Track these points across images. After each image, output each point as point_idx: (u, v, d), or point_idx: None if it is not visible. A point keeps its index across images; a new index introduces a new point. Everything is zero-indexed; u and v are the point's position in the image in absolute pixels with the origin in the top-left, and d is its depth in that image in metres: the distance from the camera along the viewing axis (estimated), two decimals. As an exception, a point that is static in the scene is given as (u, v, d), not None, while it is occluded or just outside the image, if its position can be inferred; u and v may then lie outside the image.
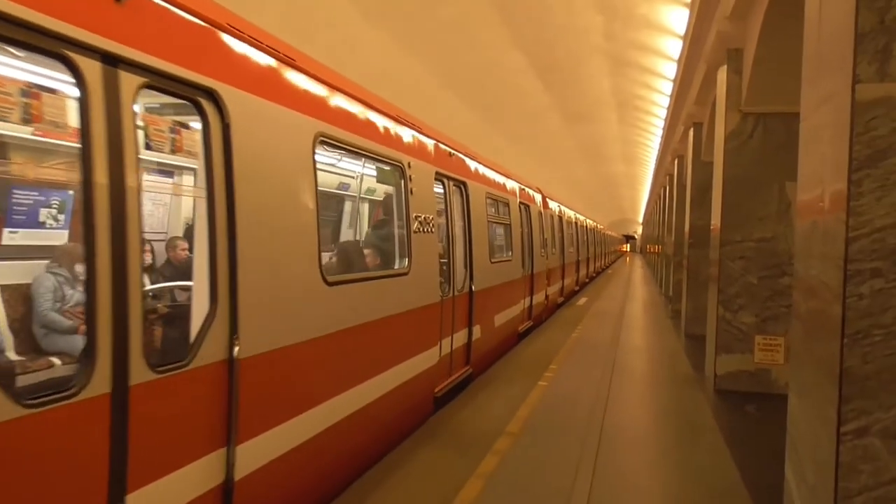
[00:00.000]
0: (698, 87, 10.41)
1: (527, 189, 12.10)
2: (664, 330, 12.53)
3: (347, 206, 8.67)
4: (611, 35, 13.22)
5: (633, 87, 17.06)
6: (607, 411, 6.35)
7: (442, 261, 6.73)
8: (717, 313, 7.46)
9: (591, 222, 27.83)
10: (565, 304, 16.75)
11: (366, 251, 6.07)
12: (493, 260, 8.66)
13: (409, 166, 5.62)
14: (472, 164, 8.08)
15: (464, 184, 7.52)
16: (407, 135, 5.68)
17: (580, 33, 13.47)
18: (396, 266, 5.61)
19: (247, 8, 3.98)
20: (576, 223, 20.77)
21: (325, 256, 4.87)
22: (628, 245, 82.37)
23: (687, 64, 10.94)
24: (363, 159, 5.88)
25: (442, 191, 6.90)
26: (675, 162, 16.10)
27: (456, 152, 7.28)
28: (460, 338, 7.23)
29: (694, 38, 9.54)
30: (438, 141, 6.66)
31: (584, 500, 4.24)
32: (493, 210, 9.17)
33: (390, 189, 6.22)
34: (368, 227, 7.84)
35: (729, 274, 7.33)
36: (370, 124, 4.92)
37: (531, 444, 5.32)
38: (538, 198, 13.35)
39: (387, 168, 5.70)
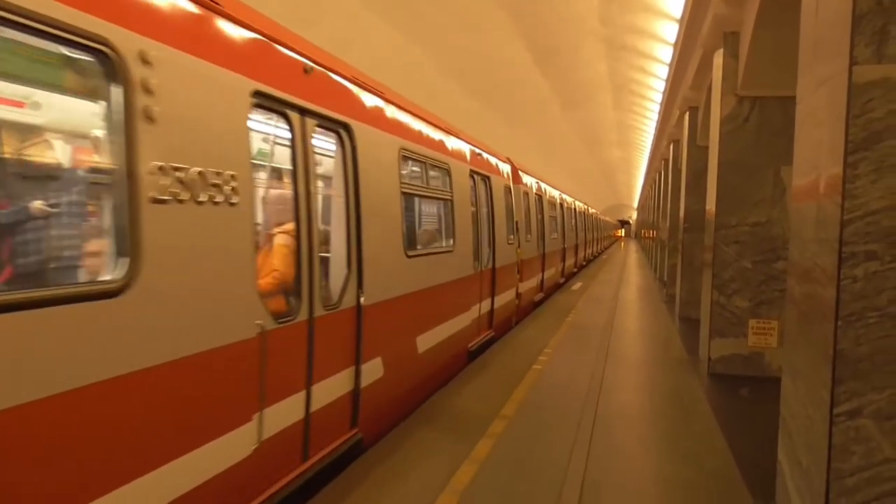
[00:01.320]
0: (694, 71, 10.38)
1: (485, 155, 9.20)
2: (658, 314, 12.58)
3: None
4: (607, 19, 13.18)
5: (629, 70, 17.04)
6: (602, 394, 6.38)
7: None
8: (711, 297, 7.49)
9: (580, 205, 25.67)
10: (557, 291, 16.76)
11: None
12: (412, 252, 5.93)
13: (146, 61, 2.68)
14: (368, 99, 5.07)
15: (345, 126, 4.62)
16: None
17: (576, 17, 13.43)
18: (86, 278, 2.90)
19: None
20: (561, 204, 17.97)
21: None
22: (623, 230, 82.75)
23: (683, 47, 10.90)
24: None
25: (290, 134, 3.99)
26: (671, 146, 16.09)
27: (320, 68, 4.30)
28: (333, 388, 4.36)
29: (690, 22, 9.49)
30: (269, 37, 3.68)
31: (578, 481, 4.28)
32: (418, 179, 6.51)
33: (73, 104, 3.39)
34: None
35: (723, 258, 7.35)
36: None
37: (526, 428, 5.35)
38: (505, 169, 10.55)
39: (53, 56, 2.79)
